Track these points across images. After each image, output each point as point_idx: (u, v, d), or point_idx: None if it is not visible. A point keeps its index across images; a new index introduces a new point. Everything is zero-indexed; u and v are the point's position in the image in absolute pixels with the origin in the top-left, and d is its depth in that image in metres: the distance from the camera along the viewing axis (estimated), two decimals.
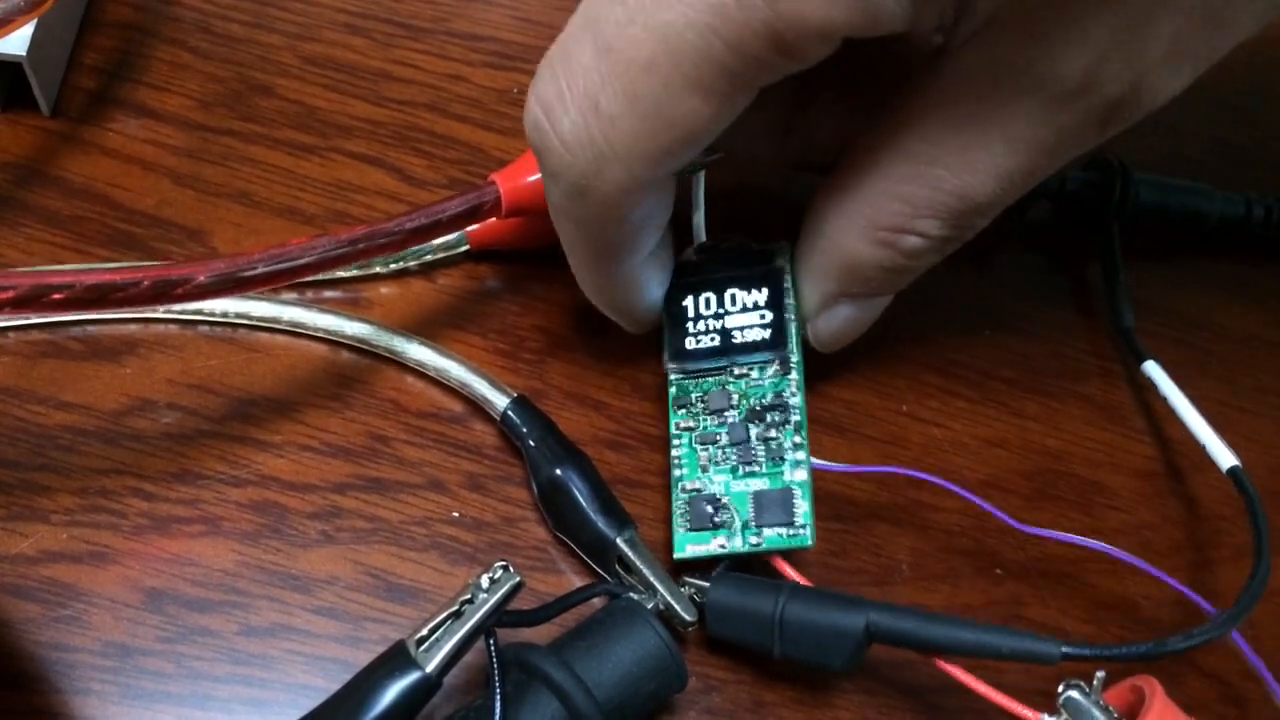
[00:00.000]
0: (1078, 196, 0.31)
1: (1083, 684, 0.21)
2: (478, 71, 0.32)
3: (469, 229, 0.27)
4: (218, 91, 0.30)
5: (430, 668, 0.20)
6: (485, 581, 0.21)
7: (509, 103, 0.32)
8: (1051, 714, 0.21)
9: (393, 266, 0.28)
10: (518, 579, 0.21)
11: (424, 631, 0.21)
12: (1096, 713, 0.20)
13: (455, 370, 0.27)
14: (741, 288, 0.26)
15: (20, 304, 0.20)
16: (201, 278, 0.21)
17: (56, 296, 0.20)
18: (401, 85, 0.31)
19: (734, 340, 0.26)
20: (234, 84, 0.31)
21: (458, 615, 0.21)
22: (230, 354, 0.27)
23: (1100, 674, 0.21)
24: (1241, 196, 0.32)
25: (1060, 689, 0.21)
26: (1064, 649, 0.22)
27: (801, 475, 0.25)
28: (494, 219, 0.26)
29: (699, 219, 0.27)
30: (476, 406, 0.27)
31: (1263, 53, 0.37)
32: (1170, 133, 0.35)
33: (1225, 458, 0.27)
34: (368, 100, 0.31)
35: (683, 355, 0.26)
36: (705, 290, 0.26)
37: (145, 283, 0.21)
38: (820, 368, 0.28)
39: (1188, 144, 0.34)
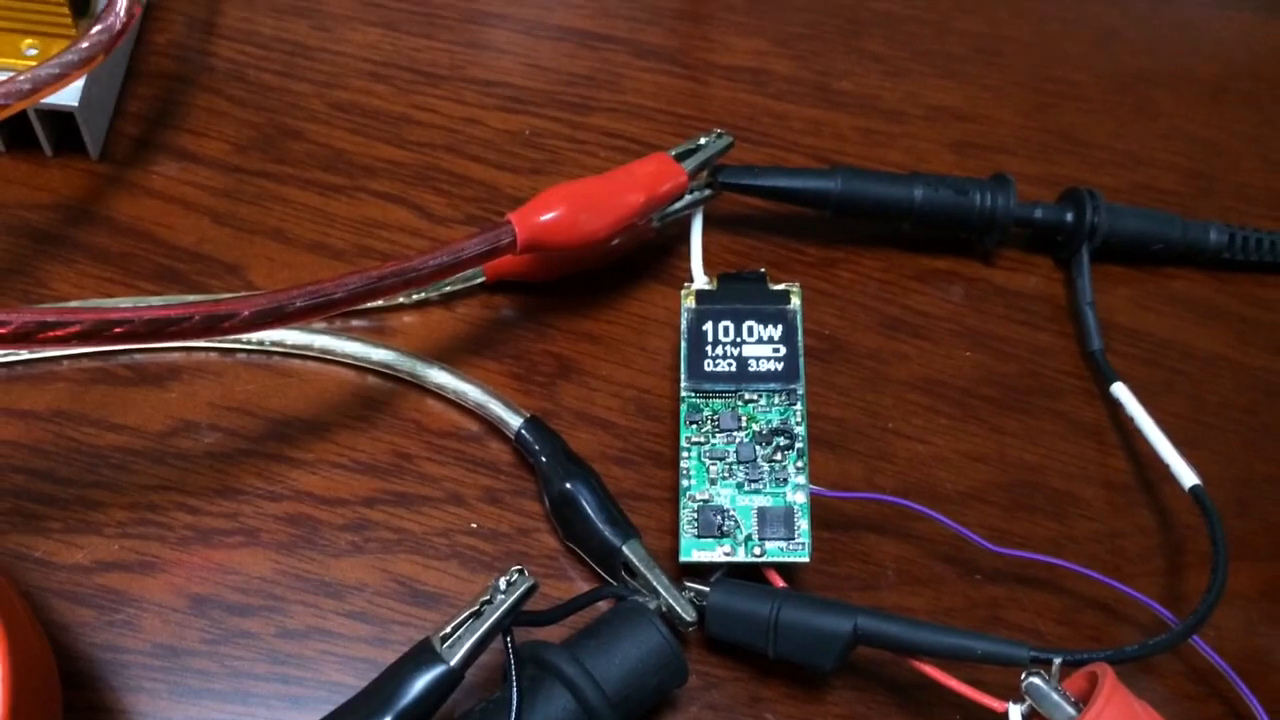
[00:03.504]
0: (1050, 225, 0.34)
1: (1043, 672, 0.23)
2: (492, 115, 0.34)
3: None
4: (252, 136, 0.33)
5: (454, 661, 0.22)
6: (503, 584, 0.23)
7: (521, 144, 0.34)
8: (1017, 702, 0.23)
9: (415, 297, 0.31)
10: (532, 581, 0.23)
11: (448, 629, 0.23)
12: (1055, 696, 0.22)
13: (473, 393, 0.29)
14: (758, 321, 0.28)
15: (85, 337, 0.22)
16: (246, 313, 0.24)
17: (117, 330, 0.22)
18: (421, 129, 0.34)
19: (749, 369, 0.28)
20: (267, 129, 0.33)
21: (478, 615, 0.23)
22: (266, 379, 0.29)
23: (1058, 661, 0.23)
24: (1206, 224, 0.35)
25: (1023, 676, 0.23)
26: (1031, 652, 0.24)
27: (802, 498, 0.27)
28: (509, 255, 0.29)
29: (696, 256, 0.29)
30: (492, 426, 0.29)
31: (1228, 89, 0.39)
32: (1142, 165, 0.37)
33: (1188, 477, 0.29)
34: (390, 143, 0.33)
35: (700, 375, 0.28)
36: (725, 319, 0.28)
37: (196, 318, 0.23)
38: (812, 388, 0.30)
39: (1159, 176, 0.37)
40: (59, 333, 0.22)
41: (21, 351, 0.28)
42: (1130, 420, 0.31)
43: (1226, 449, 0.32)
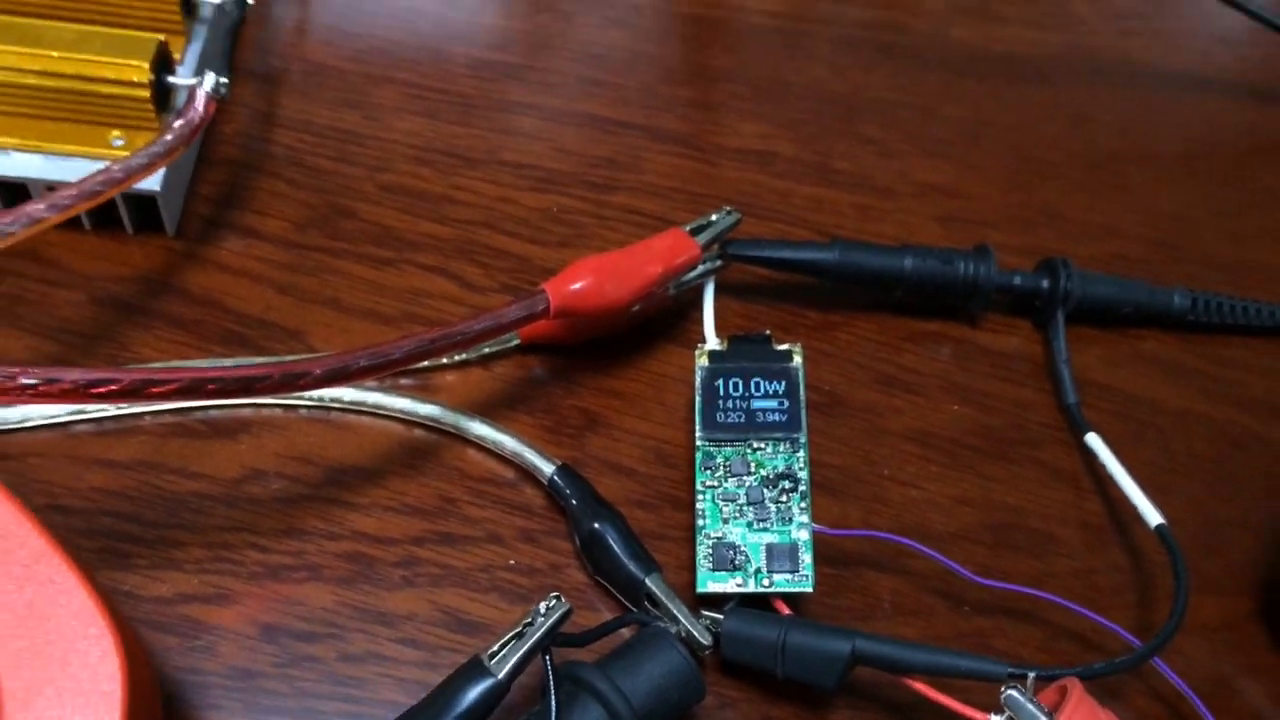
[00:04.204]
0: (1028, 291, 0.37)
1: (1020, 686, 0.26)
2: (524, 194, 0.38)
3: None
4: (310, 215, 0.37)
5: (502, 675, 0.25)
6: (543, 608, 0.26)
7: (550, 220, 0.38)
8: (997, 713, 0.26)
9: (456, 359, 0.34)
10: (568, 606, 0.26)
11: (495, 648, 0.26)
12: (1030, 706, 0.25)
13: (509, 443, 0.32)
14: (765, 378, 0.32)
15: (183, 393, 0.26)
16: (318, 371, 0.27)
17: (210, 386, 0.26)
18: (461, 207, 0.38)
19: (757, 420, 0.31)
20: (323, 209, 0.37)
21: (520, 636, 0.26)
22: (325, 432, 0.33)
23: (1032, 675, 0.26)
24: (1172, 289, 0.38)
25: (1002, 690, 0.26)
26: (1009, 668, 0.27)
27: (805, 535, 0.30)
28: (543, 320, 0.32)
29: (708, 320, 0.33)
30: (527, 473, 0.32)
31: (1192, 167, 0.43)
32: (1113, 236, 0.40)
33: (1153, 517, 0.32)
34: (433, 220, 0.37)
35: (713, 426, 0.31)
36: (735, 376, 0.32)
37: (276, 375, 0.27)
38: (814, 438, 0.33)
39: (1128, 245, 0.40)
40: (161, 389, 0.25)
41: (110, 408, 0.32)
42: (1103, 467, 0.34)
43: (1193, 494, 0.35)
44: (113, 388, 0.25)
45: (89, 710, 0.22)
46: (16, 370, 0.25)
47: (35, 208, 0.30)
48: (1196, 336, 0.38)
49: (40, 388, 0.25)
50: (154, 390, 0.25)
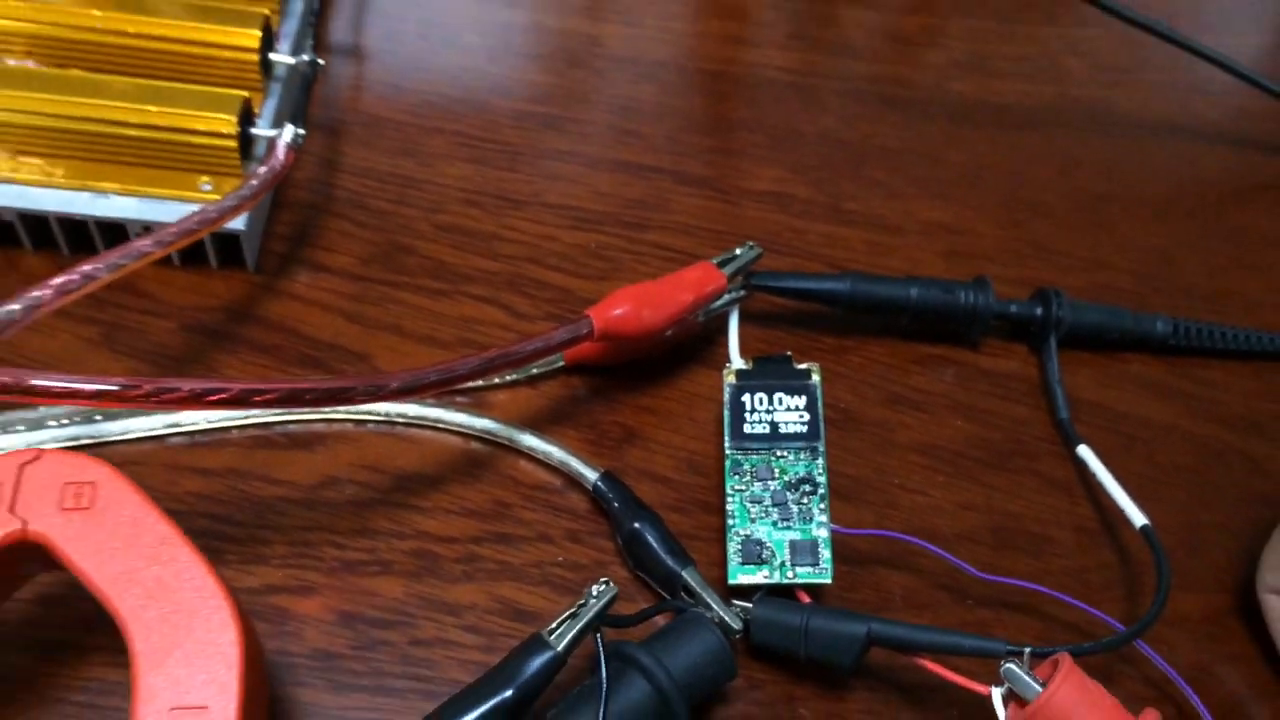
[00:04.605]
0: (1023, 318, 0.41)
1: (1017, 660, 0.29)
2: (565, 232, 0.42)
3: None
4: (373, 251, 0.41)
5: (560, 648, 0.29)
6: (594, 591, 0.30)
7: (589, 255, 0.42)
8: (997, 685, 0.29)
9: (507, 379, 0.38)
10: (616, 590, 0.30)
11: (552, 625, 0.29)
12: (1026, 678, 0.29)
13: (556, 454, 0.36)
14: (786, 393, 0.35)
15: (283, 401, 0.29)
16: (394, 384, 0.31)
17: (307, 396, 0.30)
18: (508, 244, 0.41)
19: (780, 430, 0.35)
20: (384, 246, 0.41)
21: (574, 616, 0.30)
22: (392, 444, 0.36)
23: (1028, 650, 0.29)
24: (1155, 316, 0.42)
25: (1000, 663, 0.29)
26: (1007, 646, 0.31)
27: (824, 533, 0.34)
28: (587, 343, 0.36)
29: (734, 343, 0.37)
30: (573, 480, 0.36)
31: (1174, 207, 0.47)
32: (1101, 268, 0.44)
33: (1137, 518, 0.36)
34: (484, 256, 0.41)
35: (740, 437, 0.35)
36: (759, 391, 0.35)
37: (360, 387, 0.30)
38: (830, 450, 0.37)
39: (1115, 277, 0.44)
40: (264, 397, 0.29)
41: (200, 421, 0.36)
42: (1094, 476, 0.38)
43: (1177, 501, 0.39)
44: (223, 395, 0.29)
45: (212, 668, 0.26)
46: (140, 381, 0.29)
47: (142, 244, 0.34)
48: (1178, 359, 0.42)
49: (160, 396, 0.28)
50: (258, 398, 0.29)
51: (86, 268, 0.32)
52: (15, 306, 0.31)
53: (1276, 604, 0.35)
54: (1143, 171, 0.48)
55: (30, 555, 0.27)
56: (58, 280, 0.32)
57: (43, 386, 0.28)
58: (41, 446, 0.34)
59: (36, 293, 0.32)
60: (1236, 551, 0.38)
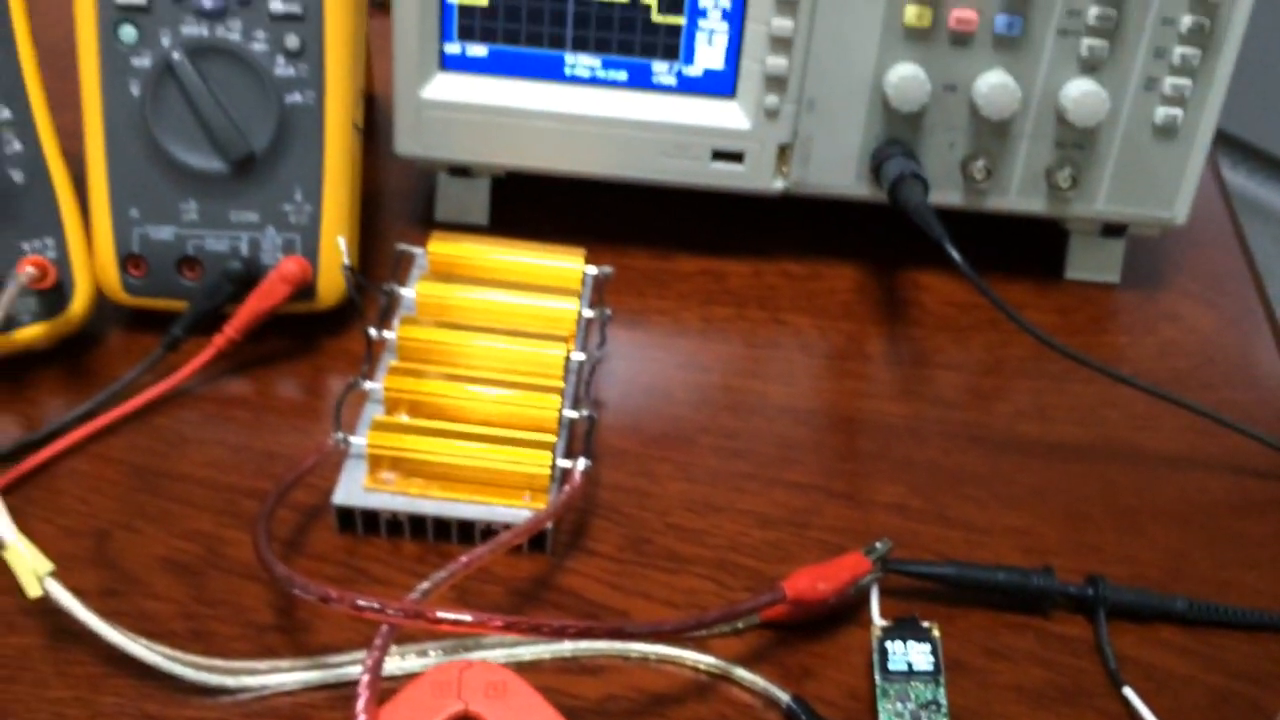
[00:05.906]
0: (1079, 596, 0.58)
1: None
2: (752, 530, 0.60)
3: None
4: (624, 541, 0.60)
5: None
6: None
7: (769, 546, 0.60)
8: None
9: (721, 629, 0.56)
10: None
11: None
12: None
13: (759, 682, 0.53)
14: (916, 642, 0.53)
15: (610, 634, 0.48)
16: (649, 629, 0.49)
17: (626, 630, 0.48)
18: (713, 538, 0.59)
19: (913, 669, 0.52)
20: (632, 538, 0.60)
21: None
22: (644, 672, 0.54)
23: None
24: (1175, 597, 0.58)
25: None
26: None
27: None
28: (780, 605, 0.54)
29: (875, 607, 0.55)
30: (772, 701, 0.53)
31: (1190, 517, 0.64)
32: (1134, 563, 0.61)
33: None
34: (699, 546, 0.59)
35: (886, 672, 0.52)
36: (897, 640, 0.53)
37: (641, 629, 0.49)
38: (950, 687, 0.53)
39: (1146, 569, 0.60)
40: (599, 631, 0.48)
41: (548, 651, 0.54)
42: (1136, 710, 0.53)
43: None
44: (583, 627, 0.48)
45: None
46: (522, 620, 0.48)
47: (504, 537, 0.54)
48: (1195, 629, 0.58)
49: (516, 625, 0.47)
50: (596, 631, 0.48)
51: (465, 558, 0.52)
52: (426, 585, 0.51)
53: None
54: (1165, 490, 0.65)
55: None
56: (453, 566, 0.52)
57: (477, 620, 0.47)
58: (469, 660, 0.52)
59: (440, 574, 0.51)
60: None
